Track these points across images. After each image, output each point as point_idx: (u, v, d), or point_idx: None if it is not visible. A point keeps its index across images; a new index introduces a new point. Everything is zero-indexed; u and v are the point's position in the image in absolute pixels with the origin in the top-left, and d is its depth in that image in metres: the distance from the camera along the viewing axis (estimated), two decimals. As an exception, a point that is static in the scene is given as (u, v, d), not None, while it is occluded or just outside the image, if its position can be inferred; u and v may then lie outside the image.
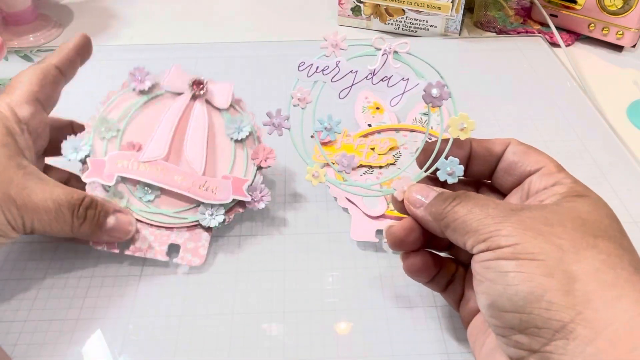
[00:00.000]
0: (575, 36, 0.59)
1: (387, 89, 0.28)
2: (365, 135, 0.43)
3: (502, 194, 0.29)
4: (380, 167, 0.41)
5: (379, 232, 0.36)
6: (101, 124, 0.36)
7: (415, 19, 0.58)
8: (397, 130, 0.44)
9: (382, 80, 0.27)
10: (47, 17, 0.61)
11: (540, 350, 0.21)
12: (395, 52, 0.28)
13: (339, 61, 0.28)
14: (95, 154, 0.35)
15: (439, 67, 0.29)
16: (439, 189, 0.28)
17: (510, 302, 0.22)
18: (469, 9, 0.63)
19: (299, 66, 0.28)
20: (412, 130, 0.44)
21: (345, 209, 0.38)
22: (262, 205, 0.36)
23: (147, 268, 0.34)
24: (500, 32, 0.61)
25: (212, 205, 0.35)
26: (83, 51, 0.36)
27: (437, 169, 0.29)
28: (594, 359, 0.20)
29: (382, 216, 0.37)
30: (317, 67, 0.28)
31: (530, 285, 0.21)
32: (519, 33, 0.60)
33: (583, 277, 0.21)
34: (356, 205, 0.37)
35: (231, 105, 0.37)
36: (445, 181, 0.28)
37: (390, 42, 0.28)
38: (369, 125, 0.44)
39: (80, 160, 0.35)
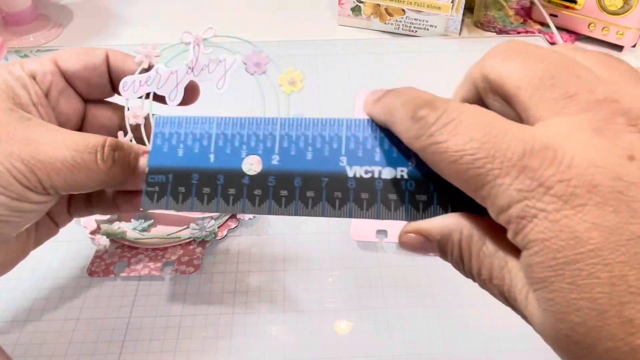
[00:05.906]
0: (575, 36, 0.59)
1: (209, 76, 0.28)
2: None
3: None
4: (380, 167, 0.41)
5: (379, 232, 0.36)
6: None
7: (415, 19, 0.58)
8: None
9: (202, 70, 0.28)
10: (47, 17, 0.61)
11: None
12: (205, 39, 0.29)
13: (157, 68, 0.28)
14: None
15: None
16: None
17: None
18: (469, 9, 0.63)
19: (122, 87, 0.28)
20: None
21: (345, 209, 0.38)
22: (250, 215, 0.37)
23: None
24: (501, 32, 0.61)
25: (203, 219, 0.36)
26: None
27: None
28: None
29: (382, 216, 0.37)
30: (140, 82, 0.28)
31: None
32: (519, 33, 0.60)
33: None
34: (356, 205, 0.37)
35: None
36: None
37: (195, 33, 0.29)
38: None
39: None
